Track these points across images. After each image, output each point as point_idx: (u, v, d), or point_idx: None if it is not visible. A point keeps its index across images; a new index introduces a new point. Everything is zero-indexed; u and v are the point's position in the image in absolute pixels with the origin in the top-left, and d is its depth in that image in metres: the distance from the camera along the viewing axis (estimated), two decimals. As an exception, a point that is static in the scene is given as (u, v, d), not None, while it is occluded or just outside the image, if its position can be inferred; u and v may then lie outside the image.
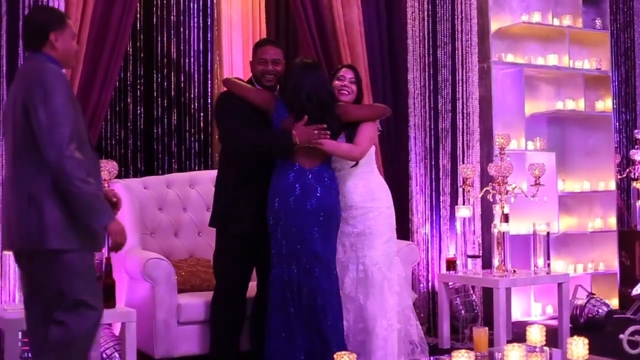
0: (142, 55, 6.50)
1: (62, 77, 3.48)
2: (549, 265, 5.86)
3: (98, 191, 3.45)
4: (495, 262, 5.73)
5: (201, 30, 6.67)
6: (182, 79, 6.60)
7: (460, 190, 6.39)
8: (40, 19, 3.64)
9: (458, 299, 6.07)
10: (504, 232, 5.72)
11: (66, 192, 3.37)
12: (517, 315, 6.70)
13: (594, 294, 6.66)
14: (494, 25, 6.91)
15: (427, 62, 6.46)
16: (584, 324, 6.35)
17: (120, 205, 3.78)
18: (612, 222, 7.39)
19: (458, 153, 6.49)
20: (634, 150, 7.72)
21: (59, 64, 3.56)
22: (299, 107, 4.55)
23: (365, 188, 4.76)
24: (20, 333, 4.48)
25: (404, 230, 6.09)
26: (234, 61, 6.61)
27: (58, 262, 3.43)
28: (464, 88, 6.56)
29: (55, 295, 3.47)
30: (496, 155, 6.09)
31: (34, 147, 3.39)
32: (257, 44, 4.92)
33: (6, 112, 3.58)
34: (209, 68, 6.67)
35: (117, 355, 4.66)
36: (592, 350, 3.50)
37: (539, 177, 5.93)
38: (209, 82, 6.66)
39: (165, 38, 6.56)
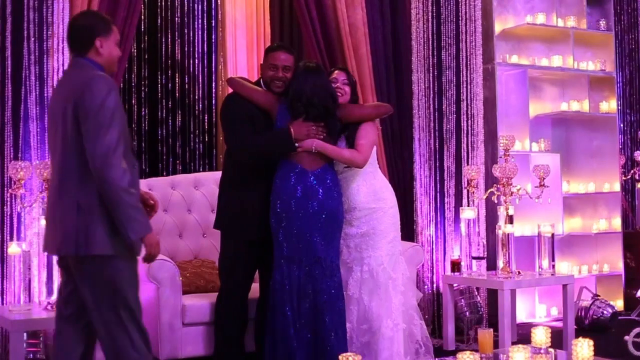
0: (146, 57, 6.51)
1: (112, 85, 3.47)
2: (553, 266, 5.85)
3: (138, 202, 3.46)
4: (500, 263, 5.73)
5: (205, 32, 6.68)
6: (187, 80, 6.61)
7: (465, 191, 6.39)
8: (86, 24, 3.61)
9: (463, 300, 6.07)
10: (508, 234, 5.72)
11: (107, 199, 3.37)
12: (521, 316, 6.69)
13: (599, 296, 6.65)
14: (498, 27, 6.91)
15: (431, 63, 6.46)
16: (589, 325, 6.34)
17: (157, 208, 3.79)
18: (617, 223, 7.38)
19: (462, 154, 6.49)
20: (638, 151, 7.71)
21: (103, 70, 3.55)
22: (301, 111, 4.55)
23: (369, 189, 4.75)
24: (25, 334, 4.49)
25: (408, 231, 6.09)
26: (238, 62, 6.61)
27: (106, 268, 3.44)
28: (468, 89, 6.56)
29: (100, 301, 3.48)
30: (501, 157, 6.09)
31: (83, 155, 3.40)
32: (270, 48, 4.87)
33: (55, 120, 3.56)
34: (213, 69, 6.67)
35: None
36: (597, 351, 3.50)
37: (544, 178, 5.93)
38: (214, 83, 6.67)
39: (169, 39, 6.57)
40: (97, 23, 3.61)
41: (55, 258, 4.33)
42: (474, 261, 6.12)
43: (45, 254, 4.79)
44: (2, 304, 4.87)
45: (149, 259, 3.54)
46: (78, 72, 3.51)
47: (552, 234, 5.82)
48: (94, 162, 3.35)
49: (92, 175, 3.38)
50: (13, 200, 4.90)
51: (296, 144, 4.53)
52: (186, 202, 5.60)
